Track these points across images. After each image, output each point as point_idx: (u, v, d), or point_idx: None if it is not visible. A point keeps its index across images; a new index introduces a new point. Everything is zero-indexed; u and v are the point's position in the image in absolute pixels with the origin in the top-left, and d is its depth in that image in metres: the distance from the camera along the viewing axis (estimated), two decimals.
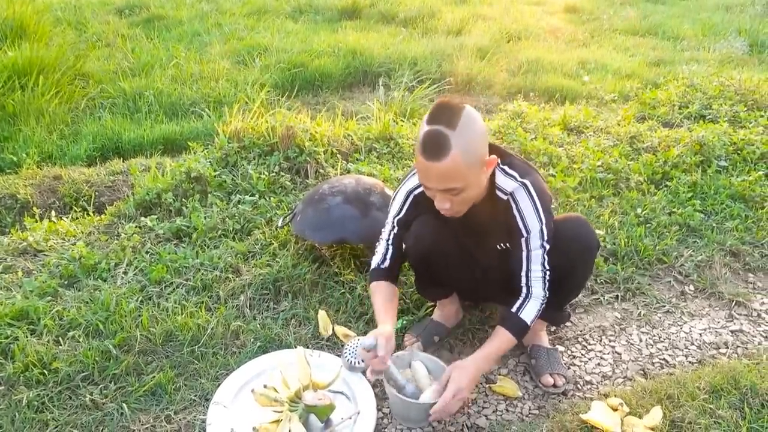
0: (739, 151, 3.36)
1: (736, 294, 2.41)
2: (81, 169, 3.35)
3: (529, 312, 1.78)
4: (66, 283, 2.32)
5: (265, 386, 1.82)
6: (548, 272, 1.78)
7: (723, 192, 3.00)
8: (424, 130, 1.56)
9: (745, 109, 3.94)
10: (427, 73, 4.76)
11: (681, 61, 5.44)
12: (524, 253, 1.76)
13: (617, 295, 2.39)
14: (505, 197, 1.73)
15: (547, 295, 1.80)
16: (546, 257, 1.76)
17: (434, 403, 1.68)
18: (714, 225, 2.79)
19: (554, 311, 2.01)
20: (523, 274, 1.78)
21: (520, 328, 1.78)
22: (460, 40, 5.72)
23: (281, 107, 3.82)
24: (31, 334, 2.04)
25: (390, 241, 1.89)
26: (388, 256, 1.89)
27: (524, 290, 1.79)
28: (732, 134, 3.50)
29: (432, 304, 2.22)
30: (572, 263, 1.82)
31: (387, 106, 3.93)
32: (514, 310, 1.79)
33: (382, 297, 1.86)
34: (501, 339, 1.78)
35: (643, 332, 2.22)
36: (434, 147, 1.54)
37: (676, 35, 6.45)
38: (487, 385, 1.95)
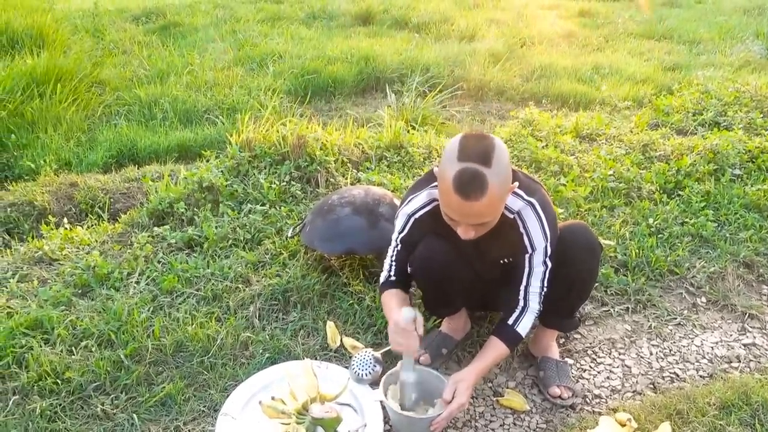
0: (753, 159, 3.32)
1: (750, 306, 2.38)
2: (97, 176, 3.39)
3: (525, 325, 1.82)
4: (80, 292, 2.35)
5: (272, 398, 1.83)
6: (545, 289, 1.81)
7: (737, 201, 2.96)
8: (458, 169, 1.51)
9: (761, 115, 3.89)
10: (440, 79, 4.77)
11: (697, 66, 5.39)
12: (526, 270, 1.79)
13: (628, 307, 2.37)
14: (511, 216, 1.73)
15: (541, 309, 1.84)
16: (547, 275, 1.78)
17: (437, 415, 1.70)
18: (727, 235, 2.76)
19: (564, 318, 2.03)
20: (522, 288, 1.81)
21: (515, 341, 1.84)
22: (472, 45, 5.72)
23: (294, 114, 3.85)
24: (45, 344, 2.07)
25: (394, 258, 1.91)
26: (394, 272, 1.91)
27: (521, 303, 1.83)
28: (747, 142, 3.46)
29: None
30: (577, 268, 1.85)
31: (398, 113, 3.94)
32: (510, 322, 1.83)
33: (395, 299, 1.85)
34: (498, 350, 1.83)
35: (653, 345, 2.21)
36: (472, 187, 1.50)
37: (692, 39, 6.40)
38: (494, 399, 1.95)
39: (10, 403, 1.86)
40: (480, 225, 1.60)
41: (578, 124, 3.81)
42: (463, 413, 1.89)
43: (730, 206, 2.95)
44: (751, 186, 3.10)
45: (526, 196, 1.72)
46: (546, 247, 1.75)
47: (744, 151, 3.36)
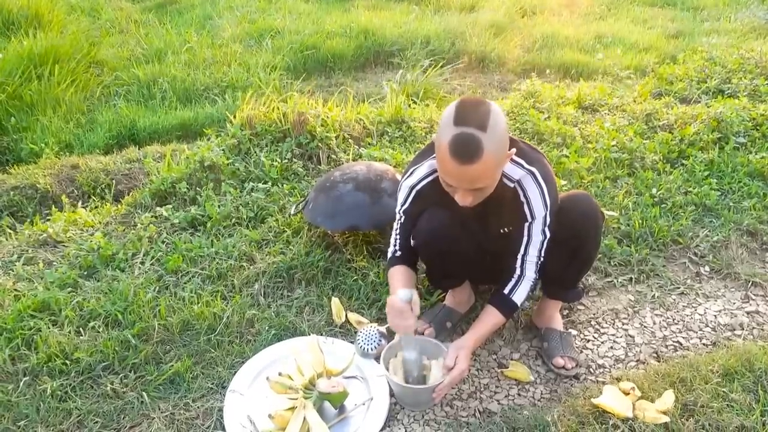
0: (758, 127, 3.29)
1: (753, 274, 2.38)
2: (98, 157, 3.39)
3: (521, 294, 1.84)
4: (85, 273, 2.37)
5: (279, 374, 1.86)
6: (542, 259, 1.82)
7: (741, 170, 2.95)
8: (454, 133, 1.52)
9: (766, 82, 3.85)
10: (441, 52, 4.72)
11: (701, 33, 5.32)
12: (525, 239, 1.80)
13: (631, 278, 2.38)
14: (511, 185, 1.73)
15: (537, 278, 1.86)
16: (544, 245, 1.79)
17: (440, 383, 1.73)
18: (731, 204, 2.75)
19: (567, 289, 2.04)
20: (519, 256, 1.82)
21: (510, 309, 1.86)
22: (473, 16, 5.65)
23: (294, 90, 3.82)
24: (53, 325, 2.09)
25: (398, 232, 1.91)
26: (399, 246, 1.91)
27: (518, 271, 1.84)
28: (751, 109, 3.42)
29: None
30: (579, 239, 1.85)
31: (399, 87, 3.91)
32: (506, 291, 1.84)
33: (399, 277, 1.88)
34: (494, 319, 1.85)
35: (656, 315, 2.22)
36: (468, 151, 1.51)
37: (695, 5, 6.31)
38: (499, 370, 1.97)
39: (21, 384, 1.88)
40: (477, 190, 1.60)
41: (581, 95, 3.78)
42: (468, 384, 1.91)
43: (733, 174, 2.94)
44: (756, 154, 3.08)
45: (526, 165, 1.72)
46: (545, 216, 1.75)
47: (748, 119, 3.33)
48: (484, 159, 1.51)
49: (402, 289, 1.75)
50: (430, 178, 1.79)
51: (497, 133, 1.53)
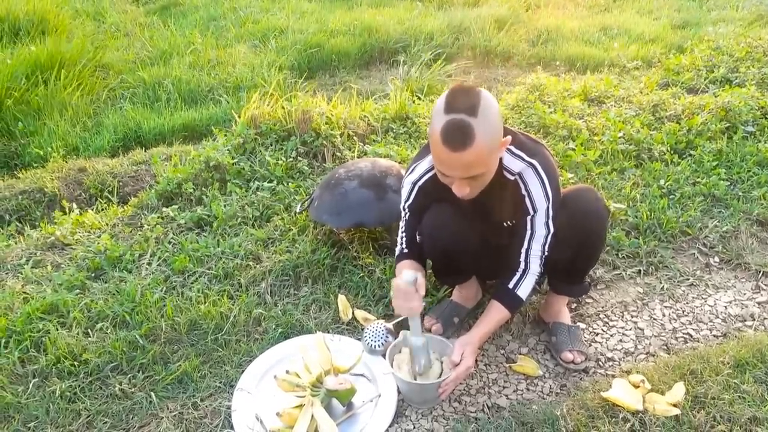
0: (767, 116, 3.26)
1: (763, 264, 2.36)
2: (104, 160, 3.41)
3: (525, 288, 1.82)
4: (93, 275, 2.38)
5: (287, 372, 1.85)
6: (546, 254, 1.81)
7: (750, 159, 2.92)
8: (445, 120, 1.51)
9: None
10: (444, 48, 4.71)
11: (707, 22, 5.27)
12: (528, 232, 1.78)
13: (640, 270, 2.36)
14: (512, 177, 1.72)
15: (542, 272, 1.84)
16: (548, 240, 1.78)
17: (445, 378, 1.72)
18: (740, 194, 2.72)
19: (573, 284, 2.03)
20: (523, 250, 1.81)
21: (515, 304, 1.84)
22: (477, 11, 5.63)
23: (298, 89, 3.82)
24: (62, 327, 2.10)
25: (404, 229, 1.91)
26: (406, 243, 1.91)
27: (522, 265, 1.82)
28: (760, 98, 3.39)
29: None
30: (585, 234, 1.83)
31: (404, 83, 3.90)
32: (510, 286, 1.82)
33: (406, 265, 1.86)
34: (499, 314, 1.84)
35: (666, 307, 2.20)
36: (458, 137, 1.49)
37: None
38: (507, 365, 1.96)
39: (31, 385, 1.90)
40: (473, 179, 1.59)
41: (586, 87, 3.75)
42: (477, 379, 1.91)
43: (742, 164, 2.90)
44: (765, 143, 3.04)
45: (527, 158, 1.70)
46: (548, 208, 1.73)
47: (757, 108, 3.29)
48: (476, 145, 1.50)
49: (407, 270, 1.71)
50: (431, 174, 1.78)
51: (489, 118, 1.52)
